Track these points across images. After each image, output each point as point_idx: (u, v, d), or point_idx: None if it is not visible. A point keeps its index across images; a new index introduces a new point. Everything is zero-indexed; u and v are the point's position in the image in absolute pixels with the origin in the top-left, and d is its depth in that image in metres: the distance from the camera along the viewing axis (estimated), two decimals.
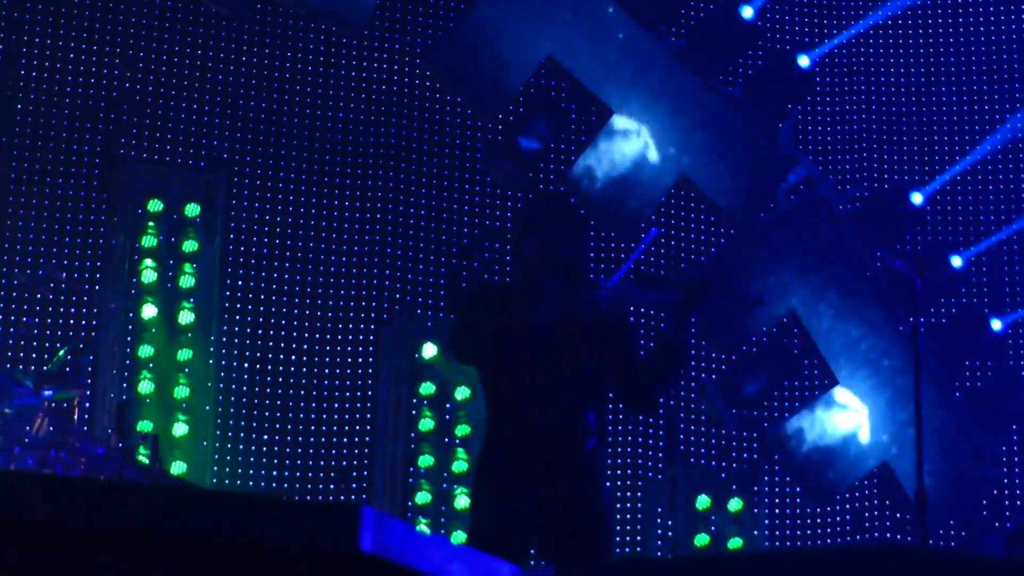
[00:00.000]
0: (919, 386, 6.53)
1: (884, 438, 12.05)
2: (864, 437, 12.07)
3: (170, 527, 2.45)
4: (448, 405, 11.60)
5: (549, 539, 5.39)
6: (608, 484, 5.79)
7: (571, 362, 5.42)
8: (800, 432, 12.10)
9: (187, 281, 11.04)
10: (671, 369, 5.57)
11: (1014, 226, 12.72)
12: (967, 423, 12.14)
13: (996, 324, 12.29)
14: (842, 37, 12.79)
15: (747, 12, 11.90)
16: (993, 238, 12.68)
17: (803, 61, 12.09)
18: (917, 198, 12.25)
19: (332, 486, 11.55)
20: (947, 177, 12.71)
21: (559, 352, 5.40)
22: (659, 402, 5.87)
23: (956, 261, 12.21)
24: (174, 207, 11.14)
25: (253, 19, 12.00)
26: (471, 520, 5.55)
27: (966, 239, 12.78)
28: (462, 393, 11.56)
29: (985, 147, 12.82)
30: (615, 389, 5.62)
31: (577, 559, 5.29)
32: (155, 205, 11.06)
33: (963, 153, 12.86)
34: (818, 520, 12.57)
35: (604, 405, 5.58)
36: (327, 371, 11.80)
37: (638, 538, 12.15)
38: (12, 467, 8.40)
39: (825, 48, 12.66)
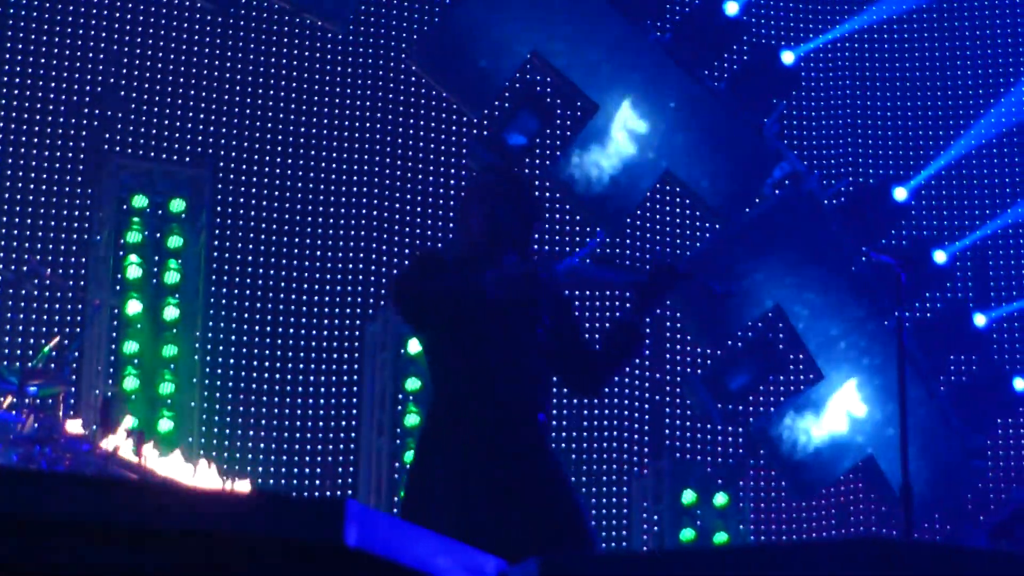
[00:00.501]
0: (903, 380, 6.55)
1: (869, 432, 12.07)
2: (849, 431, 12.09)
3: (154, 522, 2.46)
4: None
5: (513, 519, 5.14)
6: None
7: (522, 333, 5.29)
8: (785, 427, 12.11)
9: (172, 277, 11.02)
10: (624, 352, 5.47)
11: (998, 221, 12.75)
12: (951, 417, 12.17)
13: (980, 319, 12.31)
14: (828, 37, 12.79)
15: (732, 8, 11.91)
16: (977, 233, 12.70)
17: (787, 57, 12.10)
18: (901, 193, 12.27)
19: (317, 481, 11.55)
20: (931, 172, 12.72)
21: (510, 322, 5.26)
22: (604, 386, 5.75)
23: (940, 256, 12.23)
24: (159, 203, 11.11)
25: (238, 15, 11.99)
26: (410, 494, 5.23)
27: (951, 234, 12.81)
28: None
29: (969, 142, 12.84)
30: (558, 367, 5.48)
31: (553, 538, 5.10)
32: (140, 201, 11.03)
33: (947, 148, 12.88)
34: (803, 514, 12.60)
35: (551, 380, 5.48)
36: (312, 366, 11.79)
37: (623, 532, 12.17)
38: None
39: (811, 46, 12.67)
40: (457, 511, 5.11)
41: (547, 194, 12.20)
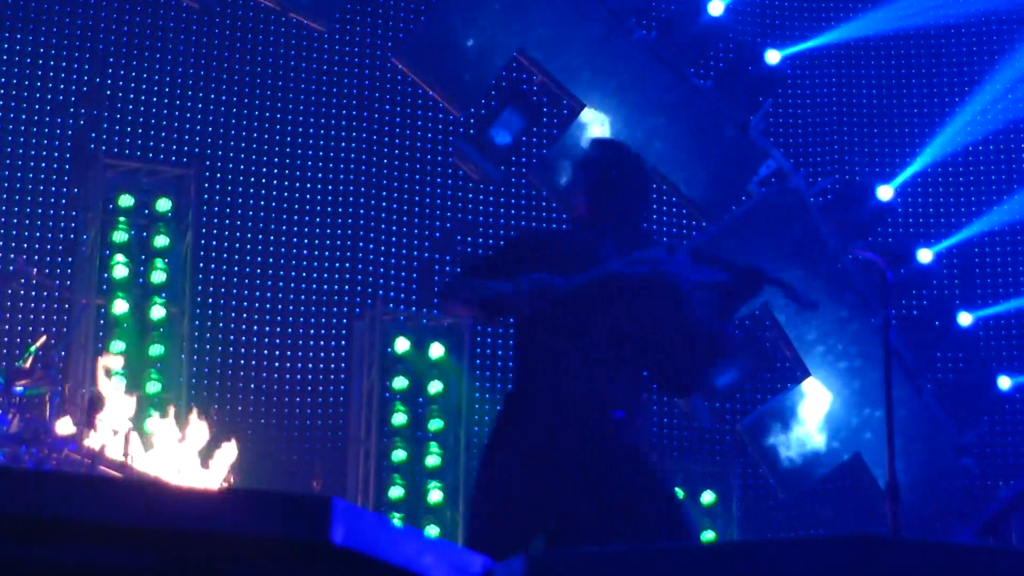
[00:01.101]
0: (890, 377, 6.55)
1: (856, 430, 12.09)
2: (836, 429, 12.11)
3: (141, 520, 2.45)
4: (420, 399, 11.59)
5: (582, 514, 4.95)
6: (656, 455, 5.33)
7: (596, 327, 5.01)
8: (773, 425, 12.13)
9: (158, 276, 11.01)
10: (708, 356, 5.16)
11: (984, 219, 12.77)
12: (938, 414, 12.19)
13: (965, 318, 12.35)
14: (816, 43, 12.78)
15: (716, 8, 11.92)
16: (963, 233, 12.72)
17: (772, 56, 12.11)
18: (886, 192, 12.29)
19: (304, 479, 11.54)
20: (916, 171, 12.74)
21: (580, 316, 4.98)
22: (693, 387, 5.38)
23: (924, 255, 12.25)
24: (145, 202, 11.11)
25: (224, 14, 11.97)
26: (482, 479, 5.05)
27: (936, 234, 12.82)
28: (435, 387, 11.55)
29: (954, 140, 12.86)
30: (648, 363, 5.16)
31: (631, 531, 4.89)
32: (126, 200, 11.03)
33: (931, 147, 12.89)
34: (791, 512, 12.60)
35: (639, 376, 5.14)
36: (299, 365, 11.78)
37: None
38: None
39: (798, 48, 12.65)
40: (518, 504, 4.91)
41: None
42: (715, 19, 12.00)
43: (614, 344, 5.09)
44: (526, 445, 4.99)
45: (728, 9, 11.97)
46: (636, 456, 5.08)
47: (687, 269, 5.18)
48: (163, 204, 11.12)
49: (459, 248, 12.26)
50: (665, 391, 5.37)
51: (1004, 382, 12.37)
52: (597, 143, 5.53)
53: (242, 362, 11.61)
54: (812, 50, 13.14)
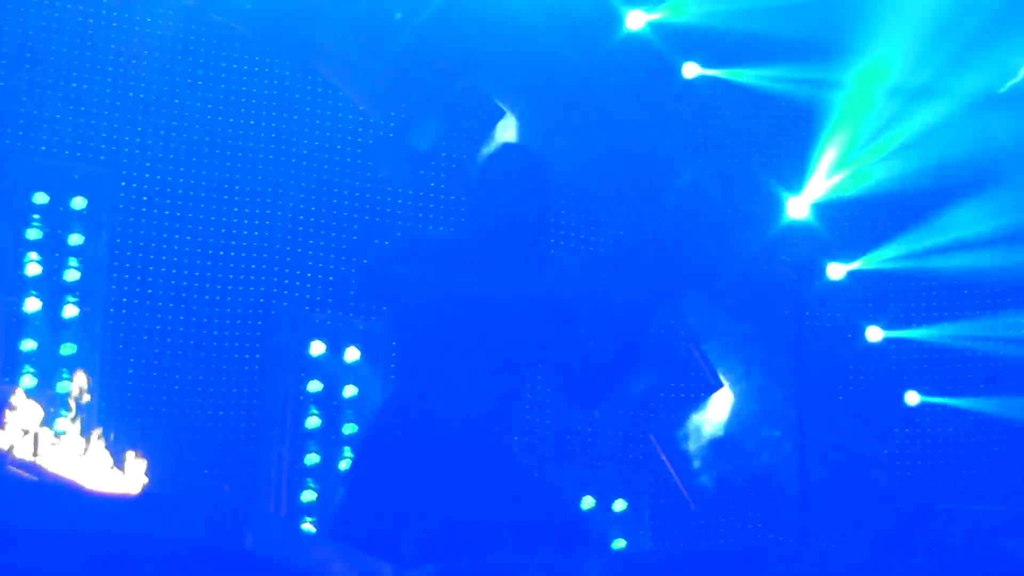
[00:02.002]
0: (802, 389, 6.63)
1: (766, 441, 12.19)
2: (746, 440, 12.21)
3: (53, 524, 2.45)
4: (335, 403, 11.58)
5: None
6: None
7: (493, 341, 4.84)
8: (684, 434, 12.21)
9: (72, 275, 10.93)
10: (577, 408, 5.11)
11: (898, 239, 12.90)
12: (848, 426, 12.32)
13: (874, 334, 12.49)
14: (737, 75, 12.83)
15: (635, 22, 12.00)
16: (875, 250, 12.84)
17: (690, 71, 12.20)
18: (798, 209, 12.41)
19: (217, 483, 11.48)
20: (834, 187, 12.85)
21: (477, 328, 4.83)
22: (597, 403, 5.22)
23: (834, 271, 12.38)
24: (60, 200, 11.02)
25: (144, 11, 11.90)
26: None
27: (852, 250, 12.93)
28: (350, 391, 11.54)
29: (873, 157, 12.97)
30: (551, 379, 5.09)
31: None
32: (41, 198, 10.94)
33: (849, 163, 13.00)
34: (701, 521, 12.69)
35: (523, 392, 5.08)
36: (213, 366, 11.71)
37: None
38: None
39: (719, 73, 12.70)
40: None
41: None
42: (634, 32, 12.09)
43: (511, 359, 4.96)
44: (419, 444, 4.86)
45: (650, 25, 12.06)
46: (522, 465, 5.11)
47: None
48: (78, 202, 11.04)
49: (377, 251, 12.25)
50: (568, 402, 5.22)
51: (912, 397, 12.54)
52: (501, 147, 5.30)
53: (155, 363, 11.53)
54: (732, 60, 13.22)
